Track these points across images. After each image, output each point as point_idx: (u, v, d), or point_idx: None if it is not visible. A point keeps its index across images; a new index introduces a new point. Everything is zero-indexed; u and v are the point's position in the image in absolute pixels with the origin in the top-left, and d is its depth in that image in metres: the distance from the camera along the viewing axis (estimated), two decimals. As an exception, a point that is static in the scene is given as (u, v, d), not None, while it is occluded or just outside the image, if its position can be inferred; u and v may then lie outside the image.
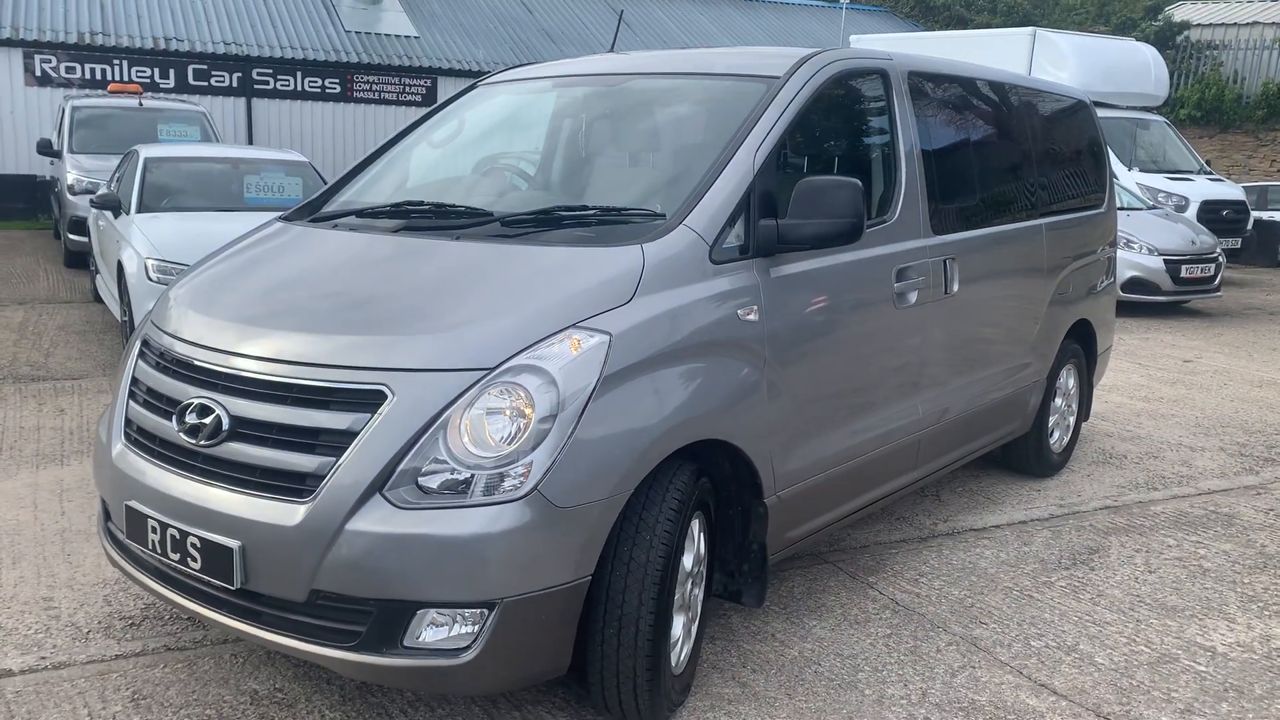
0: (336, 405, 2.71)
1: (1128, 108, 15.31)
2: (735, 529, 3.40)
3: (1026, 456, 5.48)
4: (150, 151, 8.76)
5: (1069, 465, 5.80)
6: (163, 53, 18.28)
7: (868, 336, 3.78)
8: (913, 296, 3.98)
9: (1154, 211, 12.67)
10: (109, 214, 8.40)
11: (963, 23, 28.06)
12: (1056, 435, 5.61)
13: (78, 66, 17.60)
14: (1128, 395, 7.67)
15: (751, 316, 3.21)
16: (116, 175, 9.47)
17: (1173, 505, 5.25)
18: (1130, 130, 15.20)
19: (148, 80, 17.81)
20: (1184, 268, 11.56)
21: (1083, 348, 5.75)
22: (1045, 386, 5.29)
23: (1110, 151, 14.25)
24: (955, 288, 4.25)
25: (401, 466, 2.60)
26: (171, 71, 18.29)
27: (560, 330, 2.76)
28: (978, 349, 4.59)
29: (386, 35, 20.86)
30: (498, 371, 2.67)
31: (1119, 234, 11.56)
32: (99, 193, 9.08)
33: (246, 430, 2.79)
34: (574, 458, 2.66)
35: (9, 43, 17.25)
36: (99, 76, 17.52)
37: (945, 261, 4.18)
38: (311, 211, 3.85)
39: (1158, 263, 11.50)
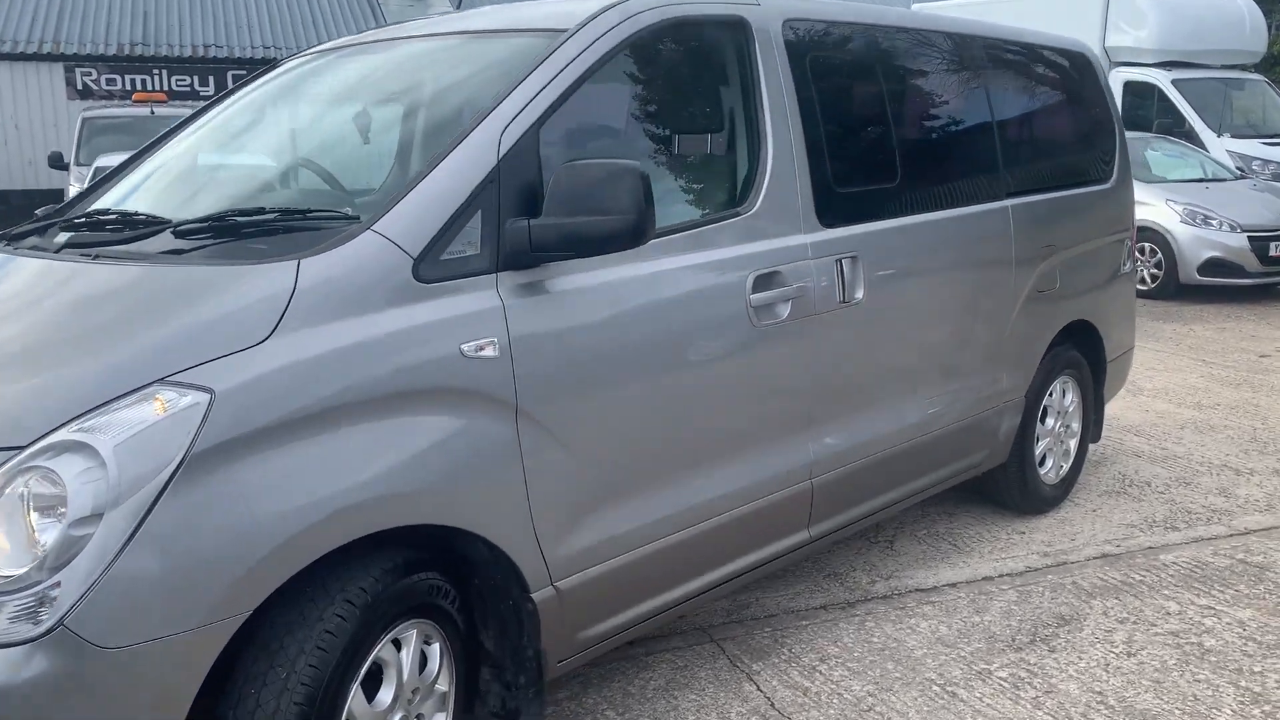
0: None
1: (1220, 66, 13.82)
2: (509, 629, 2.57)
3: (1009, 490, 4.47)
4: (105, 161, 8.29)
5: (1072, 497, 4.75)
6: (202, 60, 18.14)
7: (705, 365, 2.88)
8: (784, 310, 3.06)
9: (1241, 182, 11.24)
10: (57, 228, 7.97)
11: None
12: (1049, 463, 4.57)
13: (118, 78, 17.53)
14: (1176, 401, 6.50)
15: (488, 351, 2.37)
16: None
17: (1190, 552, 4.18)
18: (1222, 92, 13.71)
19: (188, 89, 17.67)
20: (1273, 245, 10.13)
21: (1085, 355, 4.70)
22: (1024, 406, 4.28)
23: (1198, 117, 13.06)
24: (859, 294, 3.31)
25: (-107, 590, 1.86)
26: (211, 79, 18.13)
27: (140, 388, 1.97)
28: (905, 368, 3.64)
29: (433, 32, 20.36)
30: (31, 451, 1.90)
31: (1195, 210, 10.32)
32: (42, 209, 8.67)
33: None
34: (133, 574, 1.87)
35: (50, 57, 17.30)
36: (139, 86, 17.43)
37: (839, 262, 3.25)
38: (31, 225, 3.15)
39: (1241, 240, 10.09)
